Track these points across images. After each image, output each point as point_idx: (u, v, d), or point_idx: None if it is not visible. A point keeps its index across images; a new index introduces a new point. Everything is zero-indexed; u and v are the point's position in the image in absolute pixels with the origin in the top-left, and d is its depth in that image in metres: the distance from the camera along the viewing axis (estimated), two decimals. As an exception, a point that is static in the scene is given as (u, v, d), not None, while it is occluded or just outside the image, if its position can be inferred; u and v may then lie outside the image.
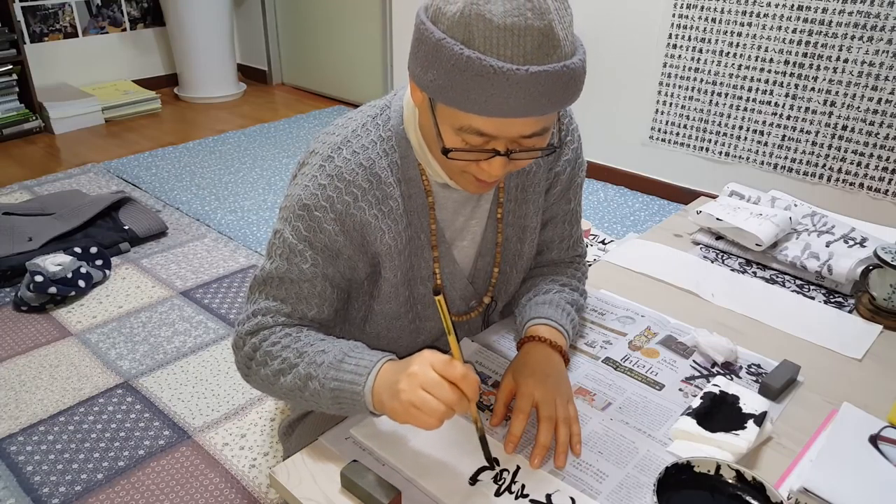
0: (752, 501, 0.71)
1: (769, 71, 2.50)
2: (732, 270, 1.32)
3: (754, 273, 1.32)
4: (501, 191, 1.00)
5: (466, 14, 0.70)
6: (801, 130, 2.50)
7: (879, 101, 2.29)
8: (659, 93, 2.82)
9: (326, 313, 0.94)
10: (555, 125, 0.89)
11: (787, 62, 2.45)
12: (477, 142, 0.78)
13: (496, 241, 1.02)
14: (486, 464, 0.83)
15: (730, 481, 0.73)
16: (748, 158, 2.67)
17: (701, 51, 2.64)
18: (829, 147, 2.46)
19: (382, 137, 0.90)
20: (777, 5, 2.41)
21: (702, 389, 0.96)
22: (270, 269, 0.92)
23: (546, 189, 1.04)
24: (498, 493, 0.79)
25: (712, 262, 1.35)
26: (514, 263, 1.06)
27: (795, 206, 1.43)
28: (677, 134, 2.83)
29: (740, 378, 1.01)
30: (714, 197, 1.59)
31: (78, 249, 2.25)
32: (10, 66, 3.42)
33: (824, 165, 2.49)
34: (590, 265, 1.22)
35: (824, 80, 2.39)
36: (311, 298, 0.92)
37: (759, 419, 0.87)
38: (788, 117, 2.52)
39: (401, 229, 0.92)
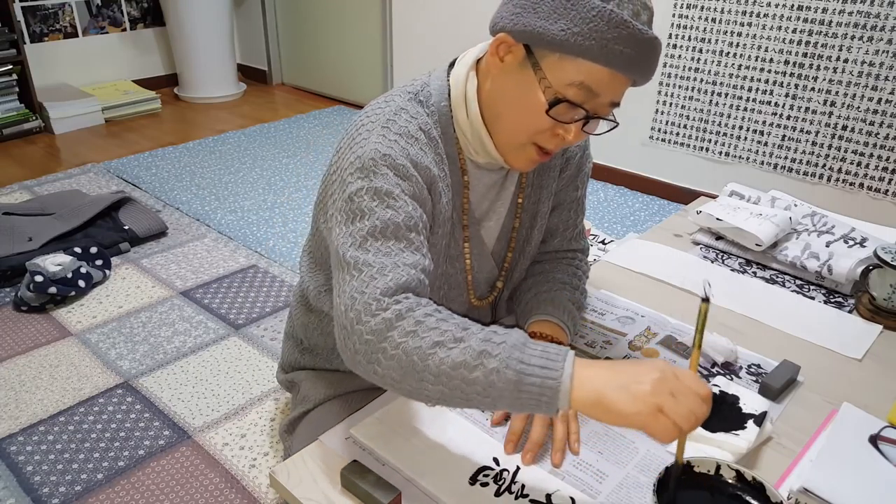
0: (752, 501, 0.71)
1: (769, 71, 2.50)
2: (732, 270, 1.32)
3: (754, 273, 1.32)
4: (524, 176, 1.03)
5: None
6: (801, 130, 2.50)
7: (879, 101, 2.29)
8: (659, 93, 2.82)
9: (433, 269, 0.85)
10: None
11: (787, 62, 2.45)
12: (579, 99, 0.82)
13: (512, 226, 1.05)
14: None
15: (730, 481, 0.73)
16: (748, 158, 2.67)
17: (701, 51, 2.64)
18: (829, 147, 2.45)
19: (426, 112, 0.91)
20: (777, 5, 2.41)
21: (702, 389, 0.96)
22: (368, 225, 0.80)
23: (558, 174, 1.07)
24: (498, 493, 0.79)
25: (712, 262, 1.35)
26: (523, 249, 1.09)
27: (795, 206, 1.43)
28: (677, 134, 2.83)
29: (740, 378, 1.01)
30: (714, 197, 1.59)
31: (78, 249, 2.25)
32: (10, 66, 3.42)
33: (824, 165, 2.49)
34: (590, 265, 1.22)
35: (824, 80, 2.39)
36: (421, 248, 0.83)
37: (759, 419, 0.87)
38: (788, 117, 2.51)
39: (449, 198, 0.94)
